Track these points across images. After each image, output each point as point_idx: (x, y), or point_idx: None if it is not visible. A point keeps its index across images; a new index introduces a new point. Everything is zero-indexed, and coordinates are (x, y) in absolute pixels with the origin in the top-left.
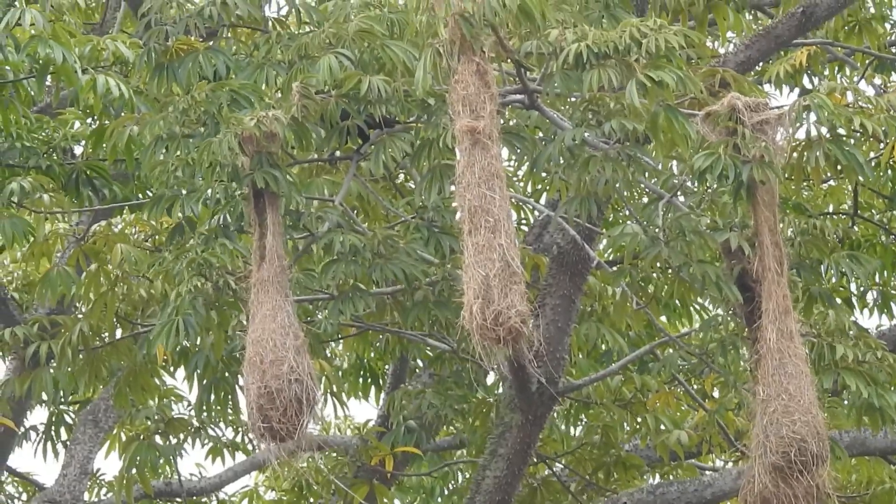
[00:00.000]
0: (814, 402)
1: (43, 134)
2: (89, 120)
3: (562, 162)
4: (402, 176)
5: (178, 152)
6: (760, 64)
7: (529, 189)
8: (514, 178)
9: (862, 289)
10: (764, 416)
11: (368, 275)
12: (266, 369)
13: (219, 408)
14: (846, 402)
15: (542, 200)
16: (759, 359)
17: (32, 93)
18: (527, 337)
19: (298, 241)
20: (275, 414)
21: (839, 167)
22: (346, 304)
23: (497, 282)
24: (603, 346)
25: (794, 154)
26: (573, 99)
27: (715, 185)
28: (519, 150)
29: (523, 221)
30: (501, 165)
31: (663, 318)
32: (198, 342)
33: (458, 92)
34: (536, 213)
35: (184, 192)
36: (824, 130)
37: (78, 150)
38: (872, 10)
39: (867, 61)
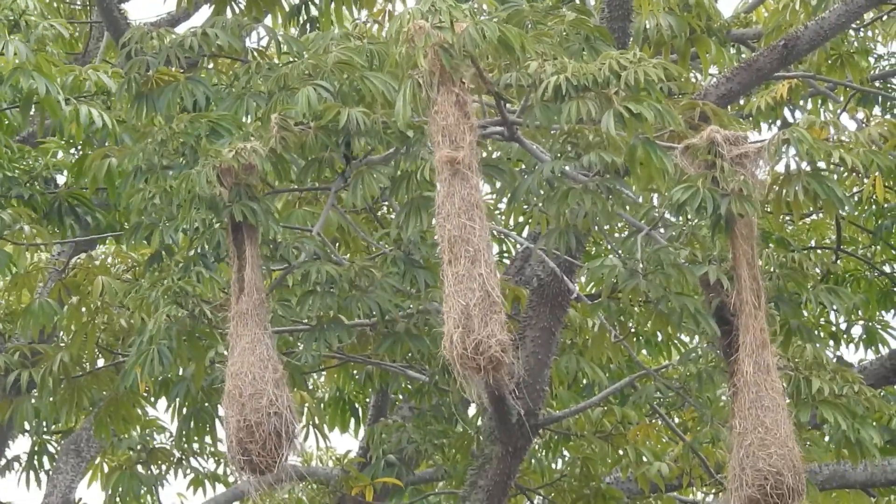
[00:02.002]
0: (790, 435)
1: (24, 163)
2: (73, 150)
3: (541, 194)
4: (385, 208)
5: (157, 182)
6: (742, 98)
7: (512, 222)
8: (496, 211)
9: (846, 324)
10: (740, 449)
11: (345, 307)
12: (245, 402)
13: (198, 438)
14: (827, 438)
15: (525, 233)
16: (735, 392)
17: (16, 123)
18: (507, 366)
19: (277, 273)
20: (254, 447)
21: (819, 201)
22: (321, 336)
23: (477, 311)
24: (584, 380)
25: (775, 187)
26: (554, 130)
27: (694, 219)
28: (498, 183)
29: (505, 254)
30: (481, 196)
31: (644, 353)
32: (180, 372)
33: (438, 122)
34: (519, 245)
35: (162, 220)
36: (804, 164)
37: (61, 179)
38: (856, 44)
39: (850, 95)
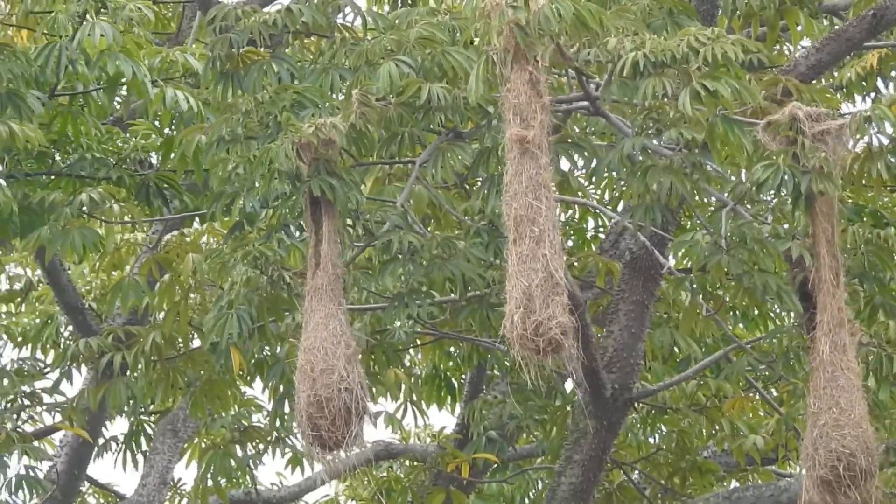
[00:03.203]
0: (864, 416)
1: (114, 145)
2: (166, 130)
3: (623, 170)
4: (479, 183)
5: (241, 153)
6: (836, 71)
7: (607, 196)
8: (590, 187)
9: None
10: (814, 429)
11: (426, 275)
12: (316, 378)
13: (291, 417)
14: None
15: (620, 206)
16: (811, 371)
17: (102, 104)
18: (567, 349)
19: (357, 246)
20: (324, 423)
21: None
22: (400, 309)
23: (539, 292)
24: (680, 354)
25: (856, 165)
26: (636, 105)
27: (774, 196)
28: (578, 159)
29: (600, 228)
30: (550, 175)
31: (741, 327)
32: (277, 350)
33: (510, 100)
34: (611, 219)
35: (244, 189)
36: (885, 140)
37: (154, 160)
38: None
39: None
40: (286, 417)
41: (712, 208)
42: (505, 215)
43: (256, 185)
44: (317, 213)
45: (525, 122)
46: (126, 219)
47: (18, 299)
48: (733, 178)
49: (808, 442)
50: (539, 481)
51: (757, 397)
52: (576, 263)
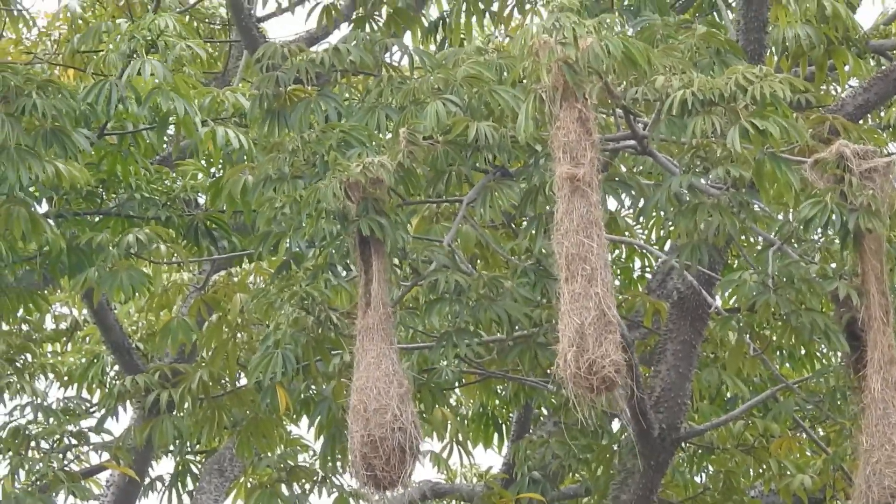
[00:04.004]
0: None
1: (162, 185)
2: (212, 170)
3: (671, 209)
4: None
5: (287, 192)
6: (883, 111)
7: (654, 235)
8: (637, 226)
9: None
10: (867, 466)
11: (472, 315)
12: (370, 417)
13: (340, 457)
14: None
15: (668, 246)
16: (863, 408)
17: (151, 143)
18: (620, 386)
19: (404, 286)
20: (378, 462)
21: None
22: (448, 349)
23: (592, 330)
24: (728, 394)
25: None
26: (684, 143)
27: (822, 235)
28: (626, 198)
29: (647, 269)
30: (601, 213)
31: (788, 366)
32: (323, 388)
33: (560, 138)
34: (658, 258)
35: (291, 229)
36: None
37: (201, 200)
38: None
39: None
40: (329, 457)
41: (759, 248)
42: (556, 253)
43: (303, 224)
44: (366, 253)
45: (575, 160)
46: (173, 259)
47: (64, 339)
48: (780, 217)
49: (861, 479)
50: None
51: (804, 437)
52: (623, 303)
